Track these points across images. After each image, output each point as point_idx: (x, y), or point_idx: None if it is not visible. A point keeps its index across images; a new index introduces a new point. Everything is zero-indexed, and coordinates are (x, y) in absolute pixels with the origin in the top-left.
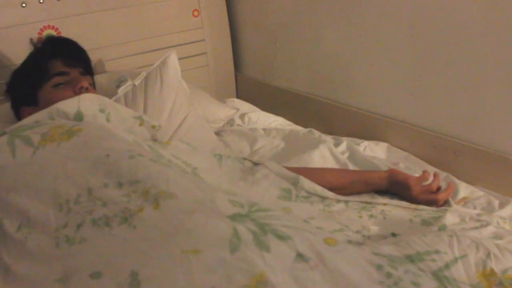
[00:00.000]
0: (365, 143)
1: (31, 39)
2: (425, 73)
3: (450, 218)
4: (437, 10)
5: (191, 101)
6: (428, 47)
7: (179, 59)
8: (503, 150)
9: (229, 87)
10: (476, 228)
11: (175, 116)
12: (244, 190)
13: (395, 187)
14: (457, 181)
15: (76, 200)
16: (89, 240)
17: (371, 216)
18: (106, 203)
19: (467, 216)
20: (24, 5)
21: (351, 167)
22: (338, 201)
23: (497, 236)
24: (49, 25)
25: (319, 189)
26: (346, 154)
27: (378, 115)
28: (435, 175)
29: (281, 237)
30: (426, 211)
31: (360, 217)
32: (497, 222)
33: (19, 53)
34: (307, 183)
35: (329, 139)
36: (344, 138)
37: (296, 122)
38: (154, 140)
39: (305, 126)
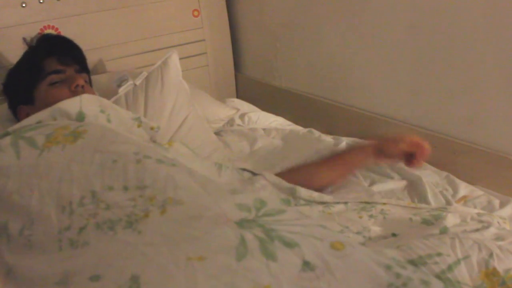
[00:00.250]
0: None
1: (24, 38)
2: (425, 73)
3: (451, 219)
4: (437, 10)
5: (192, 101)
6: (428, 47)
7: (179, 59)
8: (503, 150)
9: (229, 87)
10: (477, 229)
11: (175, 117)
12: None
13: (381, 155)
14: (457, 181)
15: (80, 202)
16: (92, 244)
17: (371, 216)
18: (110, 206)
19: (468, 216)
20: (24, 5)
21: None
22: (337, 202)
23: (499, 238)
24: (49, 25)
25: (316, 195)
26: None
27: (378, 115)
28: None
29: (288, 244)
30: (426, 210)
31: (360, 217)
32: (498, 222)
33: (19, 53)
34: (304, 192)
35: (329, 139)
36: (344, 138)
37: (296, 122)
38: (153, 141)
39: (305, 126)
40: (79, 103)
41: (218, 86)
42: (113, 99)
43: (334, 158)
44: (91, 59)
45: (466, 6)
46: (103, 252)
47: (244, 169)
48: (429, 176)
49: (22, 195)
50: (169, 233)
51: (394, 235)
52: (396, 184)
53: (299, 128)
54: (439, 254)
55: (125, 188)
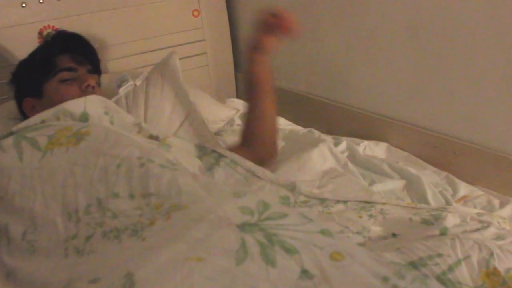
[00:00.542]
0: (365, 143)
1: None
2: (425, 73)
3: (451, 219)
4: (437, 11)
5: (192, 102)
6: (428, 47)
7: (179, 59)
8: (503, 150)
9: (229, 87)
10: (477, 229)
11: (176, 117)
12: None
13: (261, 46)
14: (457, 181)
15: (86, 210)
16: (98, 252)
17: (370, 216)
18: (117, 215)
19: (468, 216)
20: (24, 5)
21: (351, 166)
22: (337, 201)
23: (499, 237)
24: (49, 25)
25: (317, 192)
26: (346, 154)
27: (378, 115)
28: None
29: (288, 250)
30: (426, 210)
31: (360, 217)
32: (498, 222)
33: (19, 53)
34: (304, 188)
35: (329, 139)
36: (344, 138)
37: (296, 122)
38: (155, 138)
39: (305, 126)
40: (84, 103)
41: (218, 86)
42: (113, 99)
43: (253, 94)
44: None
45: (466, 7)
46: (106, 258)
47: (204, 146)
48: (429, 176)
49: (25, 197)
50: (169, 235)
51: (394, 235)
52: (395, 184)
53: (299, 128)
54: (439, 255)
55: (131, 196)
